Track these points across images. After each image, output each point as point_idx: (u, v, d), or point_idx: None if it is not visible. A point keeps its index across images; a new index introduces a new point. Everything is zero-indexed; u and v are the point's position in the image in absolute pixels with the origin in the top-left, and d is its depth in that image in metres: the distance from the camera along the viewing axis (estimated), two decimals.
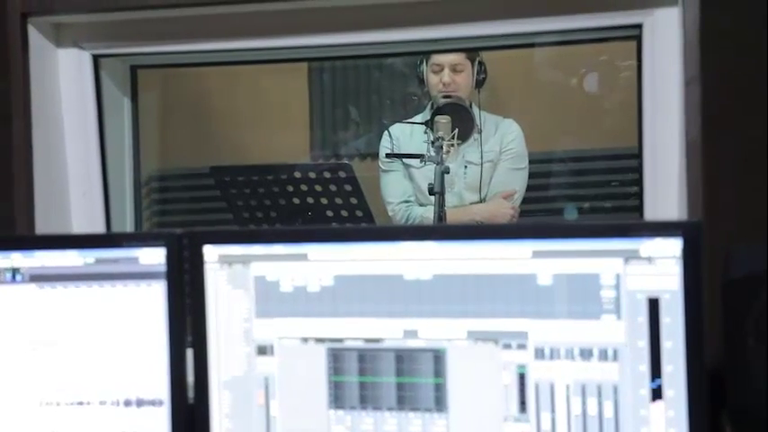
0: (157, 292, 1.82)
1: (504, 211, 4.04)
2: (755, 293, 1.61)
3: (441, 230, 1.77)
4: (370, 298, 1.74)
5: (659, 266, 1.60)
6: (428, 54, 4.03)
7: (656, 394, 1.61)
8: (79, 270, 1.85)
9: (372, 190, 4.14)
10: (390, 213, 4.14)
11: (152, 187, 5.37)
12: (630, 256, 1.62)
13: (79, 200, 2.54)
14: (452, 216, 3.91)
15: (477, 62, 4.08)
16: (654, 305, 1.61)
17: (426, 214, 3.99)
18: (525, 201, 4.27)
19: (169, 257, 1.82)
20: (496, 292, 1.68)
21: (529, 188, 4.26)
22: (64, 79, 2.53)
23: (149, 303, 1.82)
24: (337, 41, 2.52)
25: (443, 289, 1.71)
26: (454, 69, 4.06)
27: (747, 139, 1.93)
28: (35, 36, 2.43)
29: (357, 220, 3.52)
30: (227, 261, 1.80)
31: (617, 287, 1.63)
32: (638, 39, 2.25)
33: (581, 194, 5.20)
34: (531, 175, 4.25)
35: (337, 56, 4.16)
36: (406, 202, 4.14)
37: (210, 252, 1.80)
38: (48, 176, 2.49)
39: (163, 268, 1.82)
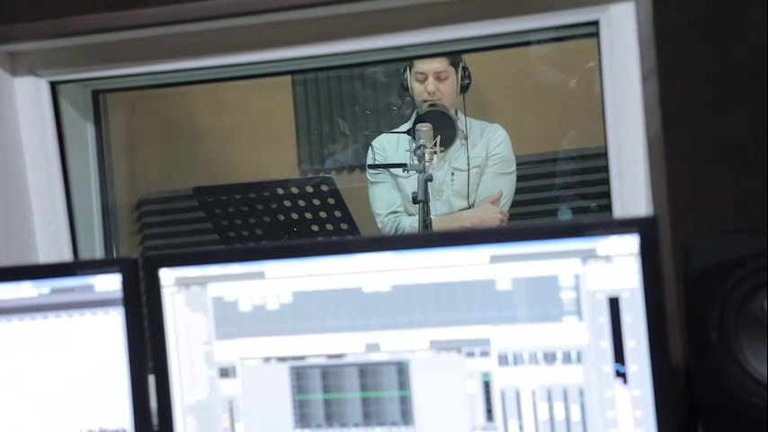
0: (115, 320, 1.79)
1: (492, 216, 3.98)
2: (716, 286, 1.57)
3: (397, 240, 1.74)
4: (329, 313, 1.71)
5: (617, 265, 1.57)
6: (411, 61, 3.98)
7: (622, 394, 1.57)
8: (34, 301, 1.82)
9: (362, 201, 4.12)
10: (380, 225, 4.11)
11: (143, 211, 5.35)
12: (588, 256, 1.59)
13: (44, 229, 2.51)
14: (440, 224, 3.88)
15: (460, 67, 4.03)
16: (614, 304, 1.58)
17: (415, 224, 3.94)
18: (519, 203, 4.23)
19: (125, 283, 1.79)
20: (456, 300, 1.65)
21: (524, 190, 4.21)
22: (22, 108, 2.50)
23: (107, 331, 1.80)
24: (316, 53, 2.47)
25: (403, 300, 1.68)
26: (438, 77, 4.00)
27: (708, 132, 1.90)
28: None
29: (342, 233, 3.50)
30: (183, 284, 1.77)
31: (576, 288, 1.59)
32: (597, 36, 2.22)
33: (575, 194, 5.13)
34: (527, 177, 4.20)
35: (318, 67, 4.10)
36: (394, 212, 4.10)
37: (167, 275, 1.77)
38: (9, 207, 2.46)
39: (119, 295, 1.79)
